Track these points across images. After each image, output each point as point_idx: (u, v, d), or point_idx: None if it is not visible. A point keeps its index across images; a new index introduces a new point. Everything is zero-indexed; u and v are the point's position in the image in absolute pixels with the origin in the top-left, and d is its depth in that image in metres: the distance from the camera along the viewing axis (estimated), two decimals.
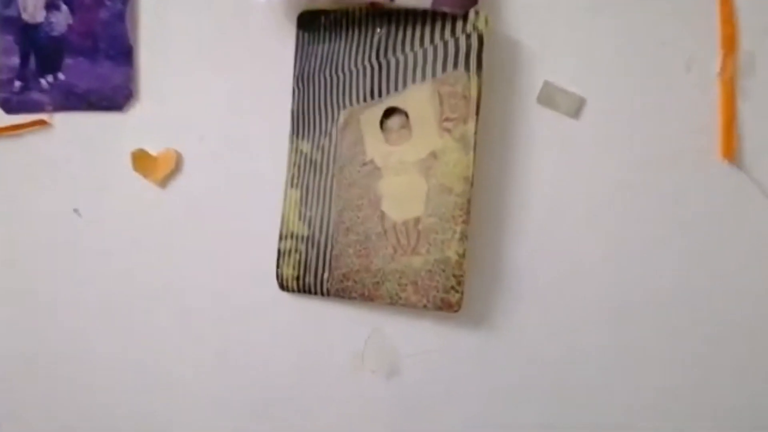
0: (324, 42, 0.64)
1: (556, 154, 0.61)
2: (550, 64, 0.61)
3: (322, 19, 0.64)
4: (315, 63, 0.64)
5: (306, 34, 0.64)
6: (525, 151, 0.61)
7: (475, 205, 0.60)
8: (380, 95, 0.62)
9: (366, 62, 0.62)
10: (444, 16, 0.59)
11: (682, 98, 0.59)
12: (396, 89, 0.61)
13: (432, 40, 0.60)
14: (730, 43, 0.58)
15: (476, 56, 0.59)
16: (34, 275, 0.69)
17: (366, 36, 0.62)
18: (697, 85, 0.59)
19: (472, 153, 0.59)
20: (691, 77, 0.59)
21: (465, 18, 0.59)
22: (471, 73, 0.59)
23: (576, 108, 0.61)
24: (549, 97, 0.61)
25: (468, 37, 0.59)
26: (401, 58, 0.61)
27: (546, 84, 0.61)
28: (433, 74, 0.60)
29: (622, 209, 0.60)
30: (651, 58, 0.59)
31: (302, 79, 0.64)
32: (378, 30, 0.62)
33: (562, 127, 0.61)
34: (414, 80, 0.61)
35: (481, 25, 0.59)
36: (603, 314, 0.61)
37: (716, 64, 0.58)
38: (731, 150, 0.58)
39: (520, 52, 0.61)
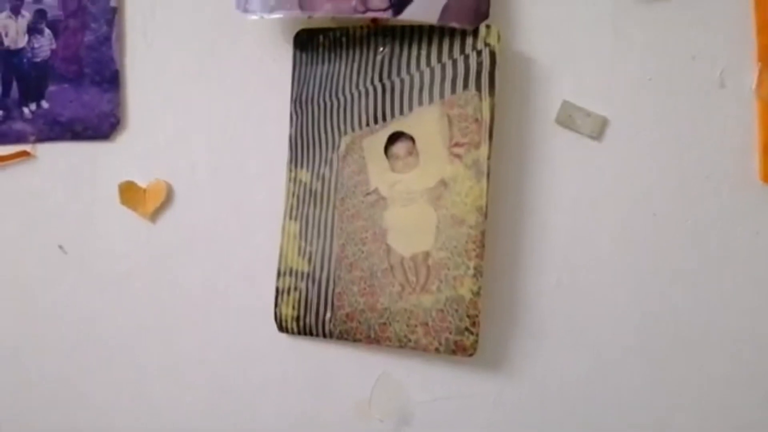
0: (323, 63, 0.59)
1: (577, 180, 0.56)
2: (568, 82, 0.56)
3: (321, 38, 0.59)
4: (314, 86, 0.59)
5: (303, 55, 0.60)
6: (543, 177, 0.56)
7: (490, 237, 0.55)
8: (384, 119, 0.57)
9: (368, 84, 0.57)
10: (452, 31, 0.55)
11: (716, 116, 0.54)
12: (401, 113, 0.56)
13: (439, 59, 0.55)
14: (766, 54, 0.53)
15: (488, 75, 0.54)
16: (16, 315, 0.64)
17: (368, 56, 0.58)
18: (732, 102, 0.54)
19: (485, 181, 0.54)
20: (726, 93, 0.54)
21: (475, 33, 0.54)
22: (483, 94, 0.54)
23: (598, 129, 0.56)
24: (568, 117, 0.56)
25: (479, 54, 0.54)
26: (406, 79, 0.56)
27: (565, 103, 0.56)
28: (441, 95, 0.55)
29: (652, 239, 0.55)
30: (680, 74, 0.54)
31: (300, 103, 0.60)
32: (381, 49, 0.57)
33: (584, 150, 0.56)
34: (421, 102, 0.56)
35: (493, 40, 0.54)
36: (631, 356, 0.55)
37: (753, 78, 0.53)
38: None
39: (536, 69, 0.56)
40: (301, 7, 0.55)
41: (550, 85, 0.56)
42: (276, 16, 0.56)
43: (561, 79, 0.56)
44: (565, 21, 0.56)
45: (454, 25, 0.54)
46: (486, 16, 0.55)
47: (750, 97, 0.53)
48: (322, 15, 0.56)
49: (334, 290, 0.57)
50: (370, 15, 0.55)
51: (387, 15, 0.54)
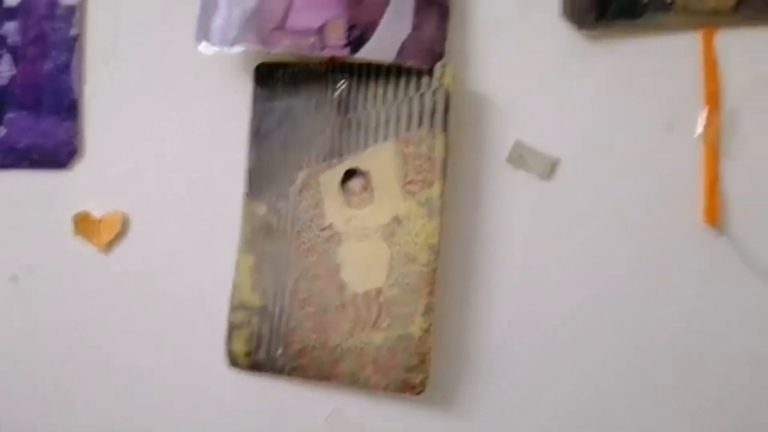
0: (282, 97, 0.59)
1: (528, 219, 0.56)
2: (521, 122, 0.56)
3: (280, 72, 0.59)
4: (272, 119, 0.60)
5: (263, 88, 0.60)
6: (495, 217, 0.57)
7: (442, 275, 0.55)
8: (341, 155, 0.57)
9: (326, 120, 0.58)
10: (409, 70, 0.55)
11: (664, 159, 0.55)
12: (357, 149, 0.57)
13: (396, 96, 0.56)
14: (713, 100, 0.54)
15: (442, 114, 0.54)
16: None
17: (326, 91, 0.58)
18: (679, 145, 0.54)
19: (437, 219, 0.54)
20: (674, 136, 0.55)
21: (431, 73, 0.55)
22: (437, 133, 0.54)
23: (549, 169, 0.56)
24: (520, 157, 0.57)
25: (434, 93, 0.55)
26: (363, 116, 0.57)
27: (517, 143, 0.57)
28: (397, 133, 0.56)
29: (601, 278, 0.55)
30: (630, 115, 0.55)
31: (259, 136, 0.60)
32: (339, 85, 0.58)
33: (535, 190, 0.56)
34: (376, 139, 0.56)
35: (447, 80, 0.55)
36: (584, 396, 0.55)
37: (700, 122, 0.54)
38: (714, 214, 0.53)
39: (490, 108, 0.57)
40: (261, 42, 0.56)
41: (503, 124, 0.57)
42: (235, 50, 0.57)
43: (514, 119, 0.57)
44: (520, 61, 0.57)
45: (410, 64, 0.55)
46: (441, 56, 0.56)
47: (696, 141, 0.54)
48: (281, 51, 0.56)
49: (286, 326, 0.57)
50: (328, 53, 0.55)
51: (344, 53, 0.55)
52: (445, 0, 0.56)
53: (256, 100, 0.60)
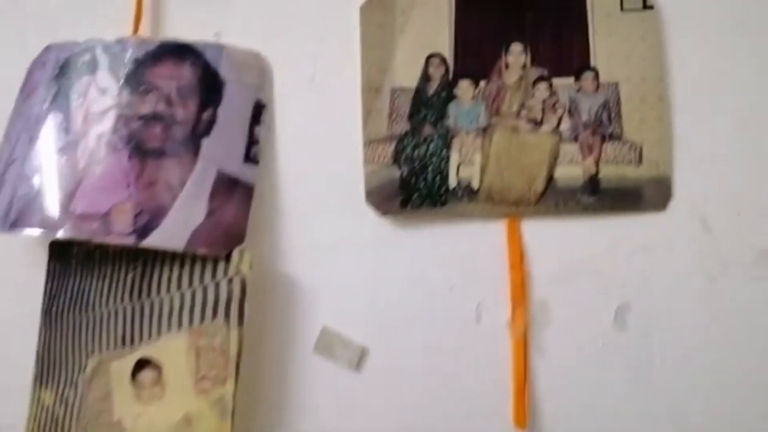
0: (76, 276, 0.55)
1: (335, 413, 0.53)
2: (329, 308, 0.54)
3: (75, 249, 0.55)
4: (65, 299, 0.55)
5: (57, 266, 0.55)
6: (301, 410, 0.53)
7: None
8: (133, 342, 0.53)
9: (119, 303, 0.53)
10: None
11: (473, 351, 0.52)
12: (150, 337, 0.52)
13: (190, 283, 0.52)
14: (519, 291, 0.52)
15: (238, 306, 0.51)
16: None
17: (120, 273, 0.54)
18: (488, 337, 0.52)
19: (229, 421, 0.49)
20: (482, 328, 0.53)
21: (228, 259, 0.52)
22: (231, 325, 0.51)
23: (357, 358, 0.53)
24: (327, 346, 0.53)
25: (230, 282, 0.51)
26: (156, 302, 0.53)
27: (324, 330, 0.53)
28: (190, 323, 0.51)
29: None
30: (439, 305, 0.53)
31: (51, 317, 0.55)
32: (133, 267, 0.54)
33: (342, 381, 0.53)
34: (170, 328, 0.52)
35: (245, 267, 0.51)
36: None
37: (507, 315, 0.52)
38: (523, 418, 0.51)
39: (297, 293, 0.54)
40: (42, 225, 0.52)
41: (310, 309, 0.54)
42: (14, 232, 0.52)
43: (322, 304, 0.54)
44: (328, 245, 0.54)
45: (203, 252, 0.51)
46: (241, 240, 0.53)
47: (505, 334, 0.52)
48: (63, 237, 0.51)
49: None
50: (113, 240, 0.51)
51: (129, 241, 0.51)
52: (249, 181, 0.54)
53: (50, 277, 0.55)
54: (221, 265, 0.52)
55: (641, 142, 0.54)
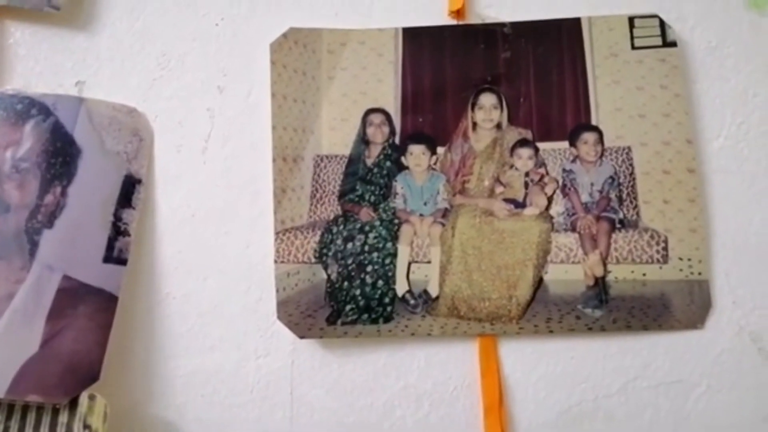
0: None
1: None
2: None
3: None
4: None
5: None
6: None
7: None
8: None
9: None
10: None
11: None
12: None
13: None
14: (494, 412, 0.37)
15: None
16: None
17: None
18: None
19: None
20: None
21: (73, 406, 0.36)
22: None
23: None
24: None
25: None
26: None
27: None
28: None
29: None
30: None
31: None
32: None
33: None
34: None
35: (95, 421, 0.36)
36: None
37: None
38: None
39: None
40: None
41: None
42: None
43: None
44: (223, 383, 0.41)
45: (32, 399, 0.36)
46: (94, 377, 0.37)
47: None
48: None
49: None
50: None
51: None
52: (110, 289, 0.38)
53: None
54: (62, 417, 0.36)
55: (666, 231, 0.40)
